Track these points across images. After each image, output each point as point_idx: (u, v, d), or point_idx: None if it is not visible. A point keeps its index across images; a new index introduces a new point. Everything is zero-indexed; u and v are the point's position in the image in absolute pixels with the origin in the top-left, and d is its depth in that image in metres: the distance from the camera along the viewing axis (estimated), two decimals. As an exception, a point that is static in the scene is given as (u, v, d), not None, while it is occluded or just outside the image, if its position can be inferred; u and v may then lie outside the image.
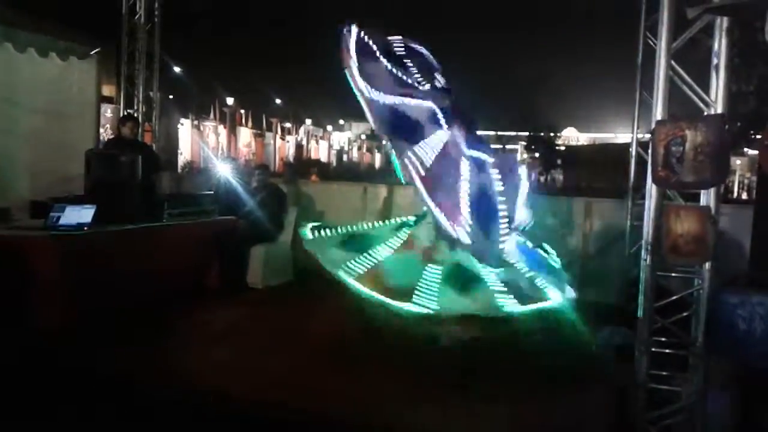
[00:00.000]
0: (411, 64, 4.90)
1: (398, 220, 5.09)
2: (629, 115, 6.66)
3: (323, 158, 47.52)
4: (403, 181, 4.59)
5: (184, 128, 30.28)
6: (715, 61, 3.38)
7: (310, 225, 4.98)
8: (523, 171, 4.92)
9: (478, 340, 4.22)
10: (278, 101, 44.58)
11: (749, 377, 3.31)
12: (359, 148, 60.53)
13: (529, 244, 4.96)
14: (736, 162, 34.45)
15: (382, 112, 4.52)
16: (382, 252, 4.62)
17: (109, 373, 4.03)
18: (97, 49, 7.53)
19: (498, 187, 4.48)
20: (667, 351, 3.49)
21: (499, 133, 51.80)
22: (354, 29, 4.54)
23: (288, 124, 45.42)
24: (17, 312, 4.42)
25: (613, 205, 7.05)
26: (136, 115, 8.00)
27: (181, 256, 5.84)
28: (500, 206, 4.48)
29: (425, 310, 4.08)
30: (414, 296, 4.13)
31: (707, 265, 3.34)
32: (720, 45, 3.35)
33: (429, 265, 4.41)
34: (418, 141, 4.50)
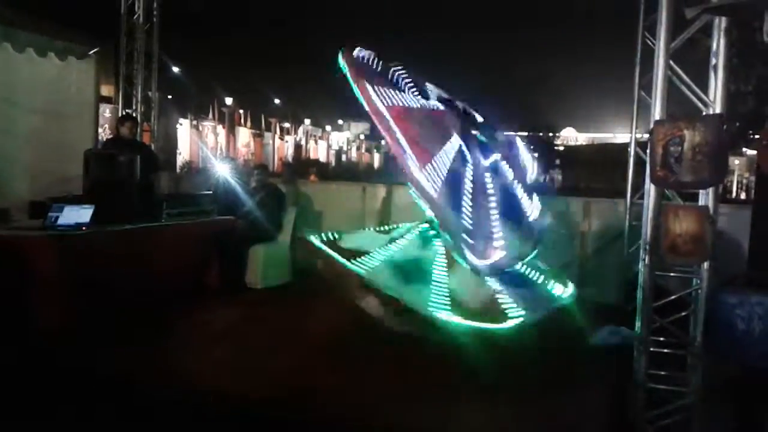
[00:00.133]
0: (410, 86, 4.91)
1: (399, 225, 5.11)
2: (628, 115, 6.67)
3: (322, 158, 47.51)
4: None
5: (183, 128, 30.24)
6: (713, 61, 3.38)
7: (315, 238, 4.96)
8: (523, 148, 4.92)
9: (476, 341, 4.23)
10: (277, 101, 44.58)
11: (747, 377, 3.31)
12: (358, 148, 60.52)
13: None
14: (735, 162, 34.48)
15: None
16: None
17: (108, 372, 4.03)
18: (95, 49, 7.51)
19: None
20: (665, 351, 3.50)
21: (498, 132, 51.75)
22: (355, 53, 4.51)
23: (287, 124, 45.43)
24: (16, 312, 4.41)
25: (611, 205, 7.05)
26: (134, 114, 7.99)
27: (179, 256, 5.84)
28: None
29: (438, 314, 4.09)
30: (430, 299, 4.14)
31: (706, 265, 3.34)
32: (718, 45, 3.36)
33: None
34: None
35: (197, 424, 3.46)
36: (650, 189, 3.39)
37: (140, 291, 5.17)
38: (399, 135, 4.23)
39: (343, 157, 54.37)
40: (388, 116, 4.25)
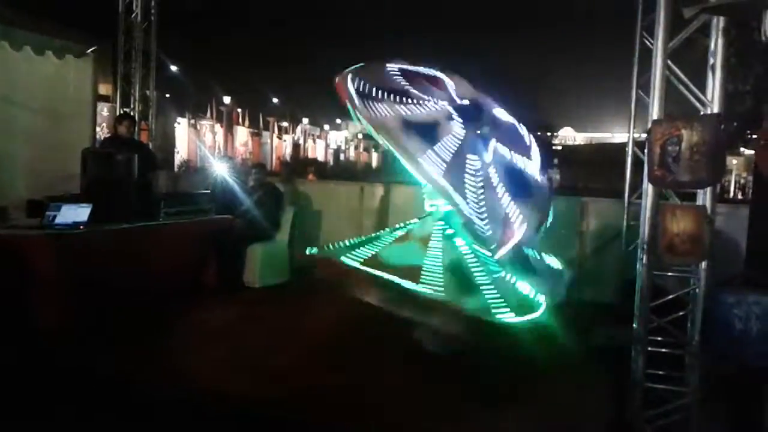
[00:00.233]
0: (414, 93, 4.89)
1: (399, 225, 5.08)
2: (626, 115, 6.67)
3: (320, 157, 47.46)
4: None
5: (181, 127, 30.20)
6: (711, 60, 3.39)
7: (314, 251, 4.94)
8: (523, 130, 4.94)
9: (475, 341, 4.23)
10: (275, 100, 44.55)
11: (745, 376, 3.32)
12: (356, 148, 60.45)
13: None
14: (733, 162, 34.50)
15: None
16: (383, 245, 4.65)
17: (107, 371, 4.02)
18: (93, 48, 7.50)
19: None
20: (663, 350, 3.50)
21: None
22: (349, 80, 4.50)
23: (285, 123, 45.38)
24: (13, 311, 4.40)
25: (609, 204, 7.06)
26: (132, 113, 7.99)
27: (177, 255, 5.83)
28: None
29: (433, 292, 4.04)
30: (421, 278, 4.11)
31: (703, 265, 3.35)
32: (716, 45, 3.36)
33: (429, 248, 4.41)
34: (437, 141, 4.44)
35: (196, 423, 3.46)
36: (648, 189, 3.39)
37: (138, 290, 5.16)
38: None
39: (342, 156, 54.32)
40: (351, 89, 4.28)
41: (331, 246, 4.83)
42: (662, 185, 3.34)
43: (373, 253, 4.45)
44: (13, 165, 6.66)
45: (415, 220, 4.98)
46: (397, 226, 5.02)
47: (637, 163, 6.15)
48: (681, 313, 3.46)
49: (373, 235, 5.01)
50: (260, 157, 35.62)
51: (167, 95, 24.60)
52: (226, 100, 35.62)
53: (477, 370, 4.08)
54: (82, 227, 4.94)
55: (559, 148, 53.20)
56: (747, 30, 5.45)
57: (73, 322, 4.54)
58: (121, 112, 7.95)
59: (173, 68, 25.20)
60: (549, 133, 51.68)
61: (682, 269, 3.51)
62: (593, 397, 3.91)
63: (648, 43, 5.65)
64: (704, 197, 3.34)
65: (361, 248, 4.54)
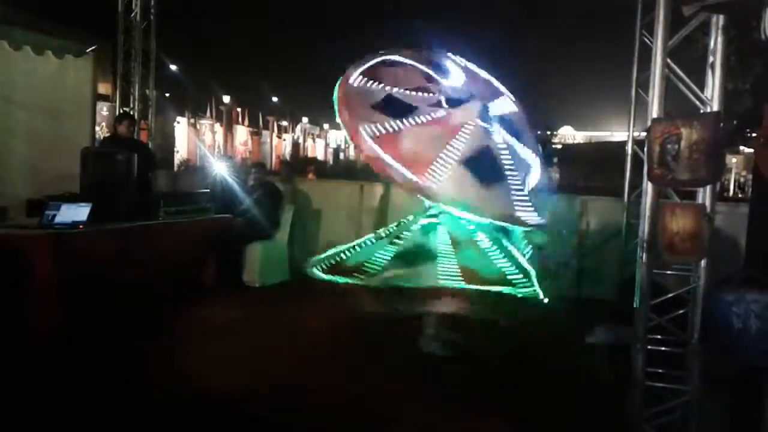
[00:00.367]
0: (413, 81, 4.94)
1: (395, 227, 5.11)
2: (625, 114, 6.67)
3: (320, 156, 47.41)
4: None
5: (181, 126, 30.16)
6: (711, 59, 3.38)
7: (313, 261, 4.95)
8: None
9: (474, 341, 4.24)
10: (275, 99, 44.49)
11: (744, 375, 3.32)
12: (356, 147, 60.33)
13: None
14: (732, 160, 34.46)
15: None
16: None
17: (106, 370, 4.02)
18: (92, 47, 7.50)
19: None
20: (663, 349, 3.50)
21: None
22: (353, 76, 4.60)
23: (285, 123, 45.33)
24: (12, 311, 4.40)
25: (609, 203, 7.07)
26: (132, 113, 7.99)
27: (177, 255, 5.83)
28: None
29: (452, 284, 4.12)
30: (438, 274, 4.19)
31: (703, 263, 3.34)
32: (716, 43, 3.36)
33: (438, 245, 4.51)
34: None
35: (196, 422, 3.46)
36: (648, 187, 3.39)
37: (137, 289, 5.17)
38: (391, 162, 4.52)
39: (341, 156, 54.26)
40: (379, 152, 4.48)
41: (330, 261, 4.83)
42: (662, 184, 3.33)
43: (383, 267, 4.48)
44: (12, 164, 6.66)
45: (410, 218, 5.01)
46: (392, 228, 5.05)
47: (637, 162, 6.16)
48: (681, 312, 3.46)
49: (372, 241, 5.02)
50: (260, 157, 35.58)
51: (167, 94, 24.59)
52: (226, 99, 35.59)
53: (476, 370, 4.08)
54: (81, 227, 4.93)
55: (559, 146, 53.16)
56: (746, 28, 5.45)
57: (72, 322, 4.54)
58: (121, 111, 7.96)
59: (173, 67, 25.21)
60: (549, 132, 51.61)
61: (682, 267, 3.51)
62: (593, 396, 3.91)
63: (647, 42, 5.65)
64: (704, 196, 3.33)
65: (365, 261, 4.56)
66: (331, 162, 46.84)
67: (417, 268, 4.36)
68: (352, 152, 58.21)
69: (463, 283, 4.17)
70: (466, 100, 4.76)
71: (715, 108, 3.33)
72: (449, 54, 5.35)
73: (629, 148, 6.52)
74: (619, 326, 4.72)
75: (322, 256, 4.95)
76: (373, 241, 4.99)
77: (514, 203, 4.66)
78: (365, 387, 3.94)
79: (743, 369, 3.25)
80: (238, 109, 38.62)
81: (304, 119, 50.08)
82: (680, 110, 3.49)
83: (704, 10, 3.27)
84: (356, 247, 4.88)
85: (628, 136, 6.65)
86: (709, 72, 3.40)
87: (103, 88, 11.47)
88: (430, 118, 4.68)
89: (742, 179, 33.04)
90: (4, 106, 6.61)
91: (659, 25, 3.33)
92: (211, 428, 3.44)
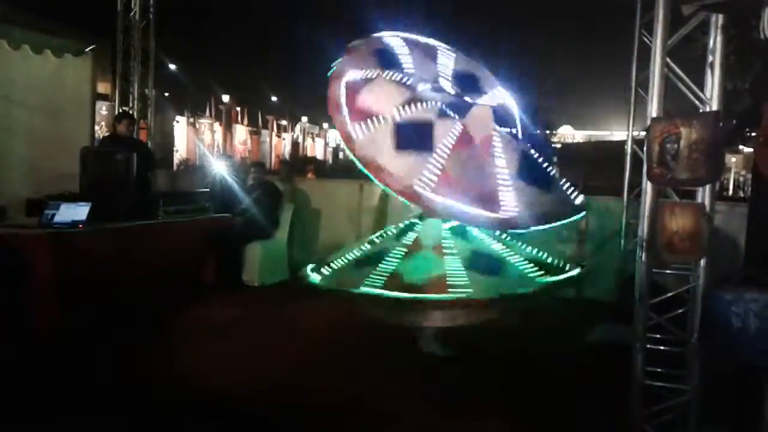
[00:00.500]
0: (407, 60, 4.78)
1: (400, 226, 4.96)
2: (625, 113, 6.67)
3: (319, 156, 47.41)
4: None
5: (180, 125, 30.10)
6: (710, 58, 3.38)
7: (309, 268, 4.77)
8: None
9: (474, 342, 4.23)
10: (274, 99, 44.49)
11: (743, 374, 3.32)
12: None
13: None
14: (732, 159, 34.46)
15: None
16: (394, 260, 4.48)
17: (105, 370, 4.03)
18: (92, 46, 7.50)
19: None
20: (662, 348, 3.50)
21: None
22: (344, 63, 4.42)
23: (284, 122, 45.31)
24: (12, 310, 4.40)
25: (609, 202, 7.06)
26: (131, 112, 7.99)
27: (176, 254, 5.84)
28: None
29: (464, 295, 3.96)
30: (448, 285, 4.03)
31: (702, 262, 3.34)
32: (715, 42, 3.35)
33: (445, 257, 4.32)
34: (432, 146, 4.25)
35: (195, 421, 3.46)
36: (647, 186, 3.39)
37: (137, 288, 5.17)
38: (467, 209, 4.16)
39: (341, 155, 54.22)
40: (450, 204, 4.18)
41: (331, 266, 4.67)
42: (661, 183, 3.33)
43: (390, 273, 4.27)
44: (11, 164, 6.67)
45: (411, 218, 4.92)
46: (393, 231, 4.92)
47: (636, 161, 6.16)
48: (680, 311, 3.46)
49: (373, 245, 4.86)
50: (259, 156, 35.55)
51: (166, 94, 24.59)
52: (225, 98, 35.58)
53: (476, 370, 4.08)
54: (81, 226, 4.94)
55: (558, 146, 53.17)
56: (746, 28, 5.45)
57: (72, 321, 4.55)
58: (120, 110, 7.96)
59: (172, 67, 25.21)
60: (548, 131, 51.62)
61: (681, 267, 3.51)
62: (593, 396, 3.91)
63: (647, 41, 5.64)
64: (703, 195, 3.33)
65: (370, 268, 4.34)
66: (330, 161, 46.86)
67: (424, 275, 4.19)
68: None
69: (471, 291, 4.01)
70: (465, 105, 4.54)
71: (715, 107, 3.33)
72: (398, 33, 4.99)
73: (628, 148, 6.52)
74: (619, 325, 4.73)
75: (317, 264, 4.71)
76: (375, 244, 4.85)
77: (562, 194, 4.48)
78: (365, 387, 3.94)
79: (742, 368, 3.25)
80: (238, 109, 38.60)
81: (304, 118, 50.06)
82: (680, 109, 3.48)
83: (703, 10, 3.27)
84: (356, 252, 4.70)
85: (628, 135, 6.64)
86: (709, 71, 3.40)
87: (103, 88, 11.46)
88: (453, 140, 4.41)
89: (741, 179, 33.03)
90: (3, 106, 6.61)
91: (658, 25, 3.33)
92: (210, 428, 3.44)
